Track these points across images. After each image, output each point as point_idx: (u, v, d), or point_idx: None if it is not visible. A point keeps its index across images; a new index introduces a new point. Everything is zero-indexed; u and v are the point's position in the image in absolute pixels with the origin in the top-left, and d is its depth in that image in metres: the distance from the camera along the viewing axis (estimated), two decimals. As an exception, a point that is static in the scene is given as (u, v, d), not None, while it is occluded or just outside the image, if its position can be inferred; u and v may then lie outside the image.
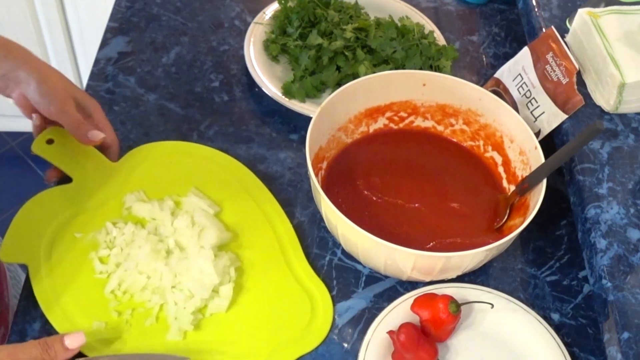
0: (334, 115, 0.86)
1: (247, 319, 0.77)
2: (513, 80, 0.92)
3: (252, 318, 0.78)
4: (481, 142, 0.89)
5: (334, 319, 0.79)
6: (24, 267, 0.80)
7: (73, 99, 0.81)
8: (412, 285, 0.81)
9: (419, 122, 0.92)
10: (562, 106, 0.85)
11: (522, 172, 0.84)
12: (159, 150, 0.89)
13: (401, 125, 0.92)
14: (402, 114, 0.91)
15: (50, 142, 0.85)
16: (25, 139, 2.11)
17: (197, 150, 0.90)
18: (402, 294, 0.79)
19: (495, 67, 0.98)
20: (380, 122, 0.91)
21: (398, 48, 0.99)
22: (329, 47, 0.98)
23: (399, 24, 1.04)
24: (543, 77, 0.87)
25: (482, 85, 0.95)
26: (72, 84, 0.83)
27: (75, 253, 0.80)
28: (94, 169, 0.85)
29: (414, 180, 0.87)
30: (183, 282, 0.77)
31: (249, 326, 0.77)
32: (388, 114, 0.91)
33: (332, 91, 0.86)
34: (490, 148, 0.89)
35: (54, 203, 0.83)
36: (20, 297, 0.79)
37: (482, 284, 0.81)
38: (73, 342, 0.69)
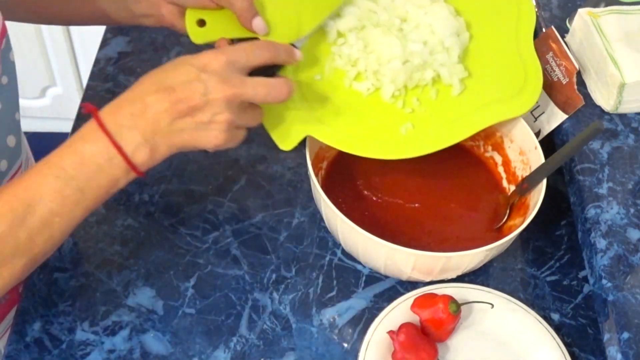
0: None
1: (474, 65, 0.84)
2: (513, 80, 0.92)
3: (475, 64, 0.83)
4: (481, 142, 0.89)
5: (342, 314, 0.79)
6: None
7: None
8: (412, 285, 0.81)
9: (419, 122, 0.92)
10: (562, 106, 0.85)
11: (522, 172, 0.84)
12: None
13: (401, 125, 0.92)
14: (402, 113, 0.91)
15: (202, 23, 0.81)
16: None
17: None
18: (402, 294, 0.79)
19: (495, 67, 0.98)
20: None
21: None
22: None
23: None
24: (543, 77, 0.87)
25: (482, 85, 0.95)
26: None
27: (329, 90, 0.80)
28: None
29: (414, 180, 0.87)
30: (434, 44, 0.80)
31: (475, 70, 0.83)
32: (388, 114, 0.91)
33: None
34: (490, 148, 0.89)
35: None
36: (20, 297, 0.79)
37: (482, 284, 0.81)
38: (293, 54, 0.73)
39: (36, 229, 0.63)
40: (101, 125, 0.64)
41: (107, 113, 0.65)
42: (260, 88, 0.68)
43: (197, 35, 0.80)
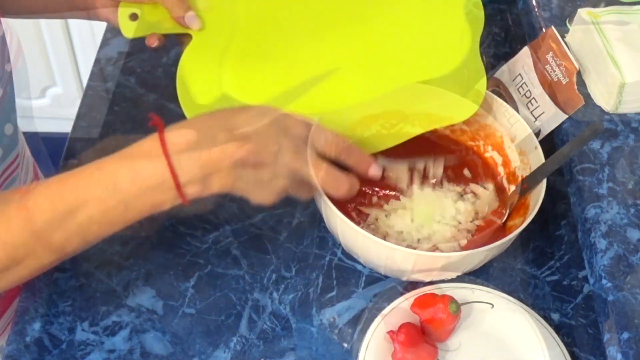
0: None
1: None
2: (513, 80, 0.92)
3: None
4: (481, 142, 0.89)
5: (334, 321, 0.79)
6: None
7: None
8: (412, 285, 0.81)
9: (419, 122, 0.92)
10: (562, 106, 0.85)
11: (522, 172, 0.84)
12: None
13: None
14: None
15: (134, 17, 0.81)
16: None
17: None
18: (402, 294, 0.79)
19: (495, 67, 0.98)
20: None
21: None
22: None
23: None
24: (543, 77, 0.87)
25: (482, 85, 0.94)
26: None
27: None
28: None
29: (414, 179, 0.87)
30: None
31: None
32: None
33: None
34: (490, 148, 0.89)
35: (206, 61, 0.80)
36: (20, 297, 0.79)
37: (482, 284, 0.81)
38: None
39: (73, 232, 0.63)
40: (164, 147, 0.63)
41: (174, 136, 0.64)
42: (323, 173, 0.69)
43: (128, 30, 0.79)
